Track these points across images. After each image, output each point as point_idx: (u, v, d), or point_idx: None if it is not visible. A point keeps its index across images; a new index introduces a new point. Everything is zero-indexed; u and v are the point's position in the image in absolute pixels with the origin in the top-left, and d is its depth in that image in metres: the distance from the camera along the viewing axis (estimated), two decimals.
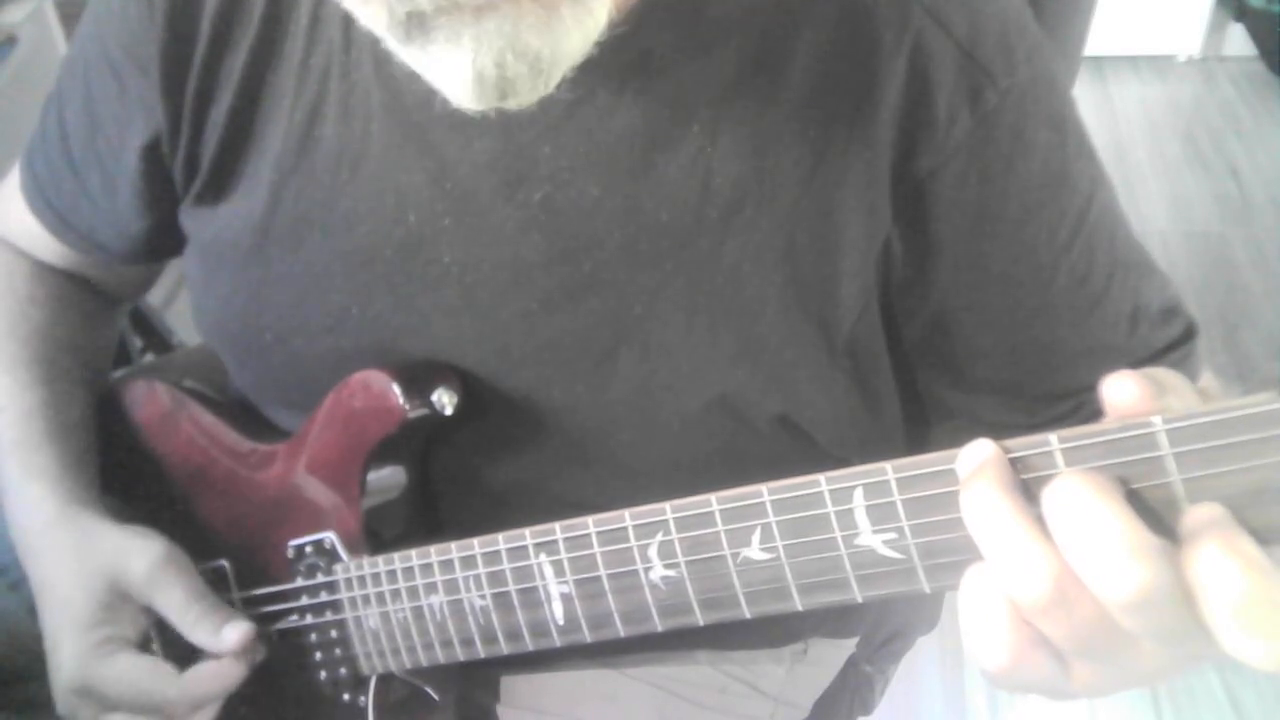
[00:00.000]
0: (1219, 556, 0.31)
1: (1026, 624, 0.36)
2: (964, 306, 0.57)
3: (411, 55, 0.46)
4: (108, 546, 0.64)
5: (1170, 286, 0.62)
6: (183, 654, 0.65)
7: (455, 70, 0.44)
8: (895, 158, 0.53)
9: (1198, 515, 0.34)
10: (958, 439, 0.39)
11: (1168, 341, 0.61)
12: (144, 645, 0.66)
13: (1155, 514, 0.35)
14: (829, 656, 0.79)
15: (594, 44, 0.47)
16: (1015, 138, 0.54)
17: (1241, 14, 3.03)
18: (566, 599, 0.52)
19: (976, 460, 0.37)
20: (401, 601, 0.59)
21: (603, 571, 0.51)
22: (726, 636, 0.73)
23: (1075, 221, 0.56)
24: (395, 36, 0.45)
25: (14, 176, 0.73)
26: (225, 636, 0.62)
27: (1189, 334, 0.62)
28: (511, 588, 0.54)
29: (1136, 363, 0.59)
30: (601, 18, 0.46)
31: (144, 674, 0.62)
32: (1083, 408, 0.59)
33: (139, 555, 0.63)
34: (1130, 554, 0.32)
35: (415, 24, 0.44)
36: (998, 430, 0.40)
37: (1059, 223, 0.56)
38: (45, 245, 0.74)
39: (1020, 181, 0.54)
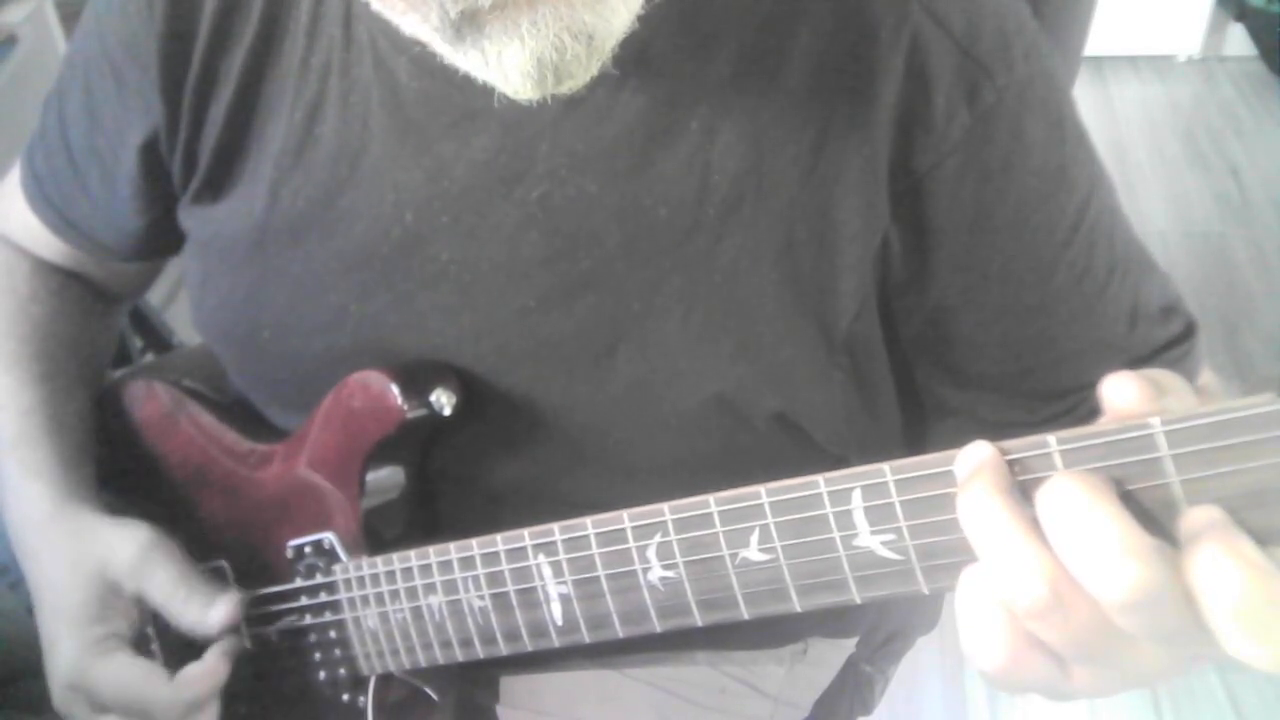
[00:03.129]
0: (1219, 558, 0.31)
1: (1022, 627, 0.36)
2: (962, 304, 0.57)
3: (463, 55, 0.46)
4: (98, 541, 0.65)
5: (1170, 284, 0.62)
6: (180, 653, 0.65)
7: (513, 61, 0.44)
8: (893, 155, 0.53)
9: (1196, 517, 0.33)
10: (957, 439, 0.39)
11: (1167, 339, 0.61)
12: (141, 644, 0.66)
13: (1154, 515, 0.35)
14: (829, 656, 0.79)
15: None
16: (1013, 135, 0.54)
17: (1241, 14, 3.03)
18: (565, 600, 0.52)
19: (973, 463, 0.37)
20: (400, 602, 0.59)
21: (601, 572, 0.50)
22: (726, 637, 0.73)
23: (1074, 219, 0.56)
24: (445, 38, 0.45)
25: (14, 174, 0.74)
26: (214, 613, 0.63)
27: (1189, 332, 0.62)
28: (510, 588, 0.54)
29: (1135, 360, 0.59)
30: None
31: (136, 676, 0.63)
32: (1082, 405, 0.59)
33: (124, 543, 0.64)
34: (1125, 553, 0.32)
35: (467, 22, 0.44)
36: (997, 428, 0.40)
37: (1058, 220, 0.56)
38: (45, 243, 0.74)
39: (1019, 179, 0.54)
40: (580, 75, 0.46)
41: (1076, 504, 0.33)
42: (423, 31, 0.46)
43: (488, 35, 0.44)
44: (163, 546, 0.64)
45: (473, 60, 0.46)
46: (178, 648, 0.66)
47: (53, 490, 0.67)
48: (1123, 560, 0.32)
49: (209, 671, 0.62)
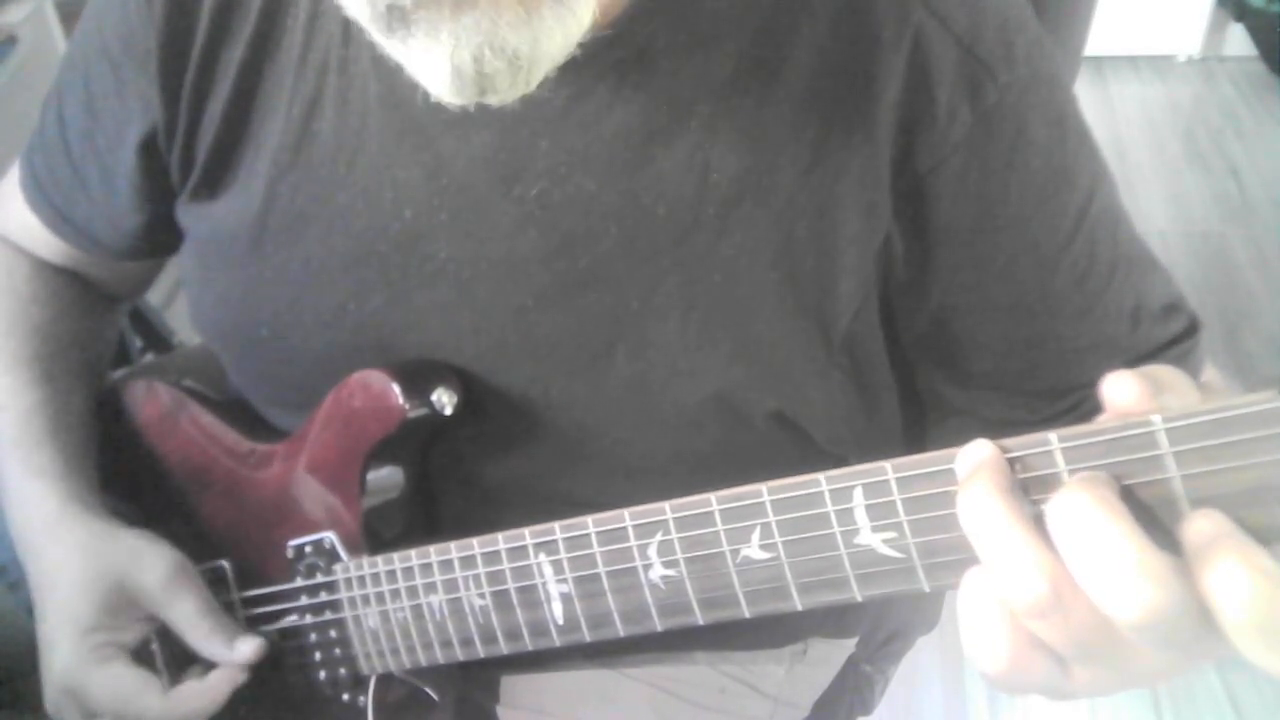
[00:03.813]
0: (1237, 571, 0.31)
1: (1023, 628, 0.35)
2: (964, 303, 0.57)
3: (393, 47, 0.46)
4: (119, 550, 0.64)
5: (1172, 282, 0.62)
6: (184, 664, 0.65)
7: (433, 64, 0.45)
8: (895, 154, 0.53)
9: (1203, 526, 0.33)
10: (958, 438, 0.39)
11: (1169, 337, 0.61)
12: (142, 651, 0.66)
13: (1154, 512, 0.35)
14: (829, 656, 0.79)
15: (579, 44, 0.47)
16: (1016, 134, 0.53)
17: (1241, 14, 3.03)
18: (566, 598, 0.52)
19: (974, 462, 0.37)
20: (401, 601, 0.59)
21: (602, 570, 0.50)
22: (726, 637, 0.73)
23: (1076, 218, 0.56)
24: (378, 29, 0.46)
25: (14, 175, 0.73)
26: (239, 650, 0.63)
27: (1191, 330, 0.62)
28: (511, 587, 0.54)
29: (1138, 359, 0.59)
30: (585, 18, 0.46)
31: (131, 686, 0.62)
32: (1084, 404, 0.59)
33: (152, 566, 0.64)
34: (1142, 576, 0.32)
35: (396, 17, 0.44)
36: (998, 427, 0.40)
37: (1060, 219, 0.56)
38: (45, 243, 0.74)
39: (1021, 178, 0.54)
40: (506, 90, 0.46)
41: (1090, 522, 0.33)
42: (363, 18, 0.46)
43: (413, 34, 0.45)
44: (187, 572, 0.65)
45: (401, 54, 0.46)
46: (179, 657, 0.66)
47: (57, 490, 0.67)
48: (1138, 582, 0.32)
49: (207, 691, 0.62)
